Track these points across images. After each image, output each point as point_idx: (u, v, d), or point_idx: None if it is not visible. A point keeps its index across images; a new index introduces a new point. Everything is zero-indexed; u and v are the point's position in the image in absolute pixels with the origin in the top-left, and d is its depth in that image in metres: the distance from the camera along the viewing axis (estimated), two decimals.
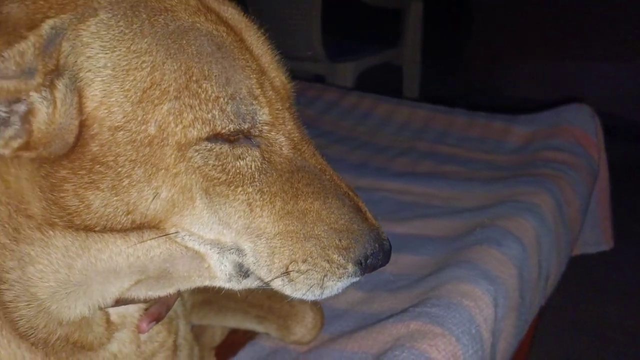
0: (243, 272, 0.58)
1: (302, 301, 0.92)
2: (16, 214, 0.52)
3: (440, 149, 1.61)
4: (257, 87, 0.54)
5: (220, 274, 0.57)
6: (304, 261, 0.57)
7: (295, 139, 0.58)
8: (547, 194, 1.25)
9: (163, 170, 0.51)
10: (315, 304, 0.94)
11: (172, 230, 0.53)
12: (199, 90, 0.51)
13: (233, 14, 0.57)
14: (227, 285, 0.59)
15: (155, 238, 0.54)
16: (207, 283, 0.58)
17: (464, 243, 1.10)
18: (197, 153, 0.52)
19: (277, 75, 0.58)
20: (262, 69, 0.55)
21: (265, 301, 0.93)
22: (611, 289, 2.07)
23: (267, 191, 0.56)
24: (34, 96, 0.47)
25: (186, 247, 0.55)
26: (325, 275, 0.58)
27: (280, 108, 0.56)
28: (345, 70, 2.73)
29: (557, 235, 1.23)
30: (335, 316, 1.00)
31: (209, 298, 0.94)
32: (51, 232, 0.52)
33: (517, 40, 3.89)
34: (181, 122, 0.50)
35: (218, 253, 0.56)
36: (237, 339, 0.99)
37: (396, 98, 1.94)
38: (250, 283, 0.59)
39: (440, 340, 0.81)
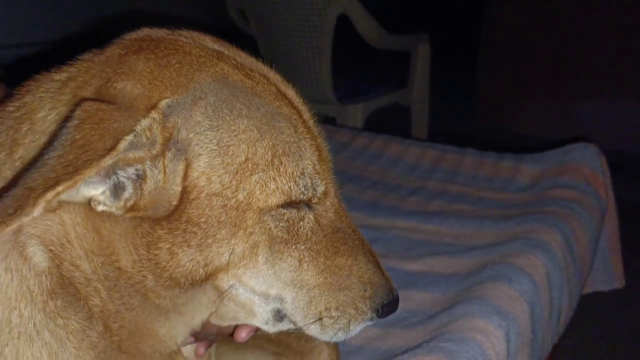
0: (280, 317, 0.66)
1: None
2: (108, 265, 0.58)
3: (450, 188, 1.64)
4: (318, 163, 0.63)
5: (260, 317, 0.66)
6: (336, 309, 0.66)
7: (336, 205, 0.68)
8: (556, 232, 1.27)
9: (242, 230, 0.59)
10: (331, 343, 0.96)
11: (231, 281, 0.62)
12: (280, 165, 0.60)
13: (295, 97, 0.67)
14: (263, 327, 0.68)
15: (222, 295, 0.64)
16: (248, 322, 0.68)
17: (475, 280, 1.12)
18: (271, 217, 0.60)
19: (325, 151, 0.67)
20: (319, 146, 0.64)
21: (283, 337, 0.95)
22: (624, 328, 2.06)
23: (314, 249, 0.65)
24: (148, 164, 0.55)
25: (235, 299, 0.64)
26: (350, 321, 0.67)
27: (330, 180, 0.66)
28: (355, 111, 2.79)
29: (568, 273, 1.25)
30: (350, 352, 1.02)
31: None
32: (148, 284, 0.60)
33: (525, 79, 3.97)
34: (265, 190, 0.59)
35: (264, 302, 0.65)
36: None
37: (406, 139, 1.98)
38: (283, 326, 0.68)
39: None
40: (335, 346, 0.96)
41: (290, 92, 0.67)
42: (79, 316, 0.60)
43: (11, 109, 0.62)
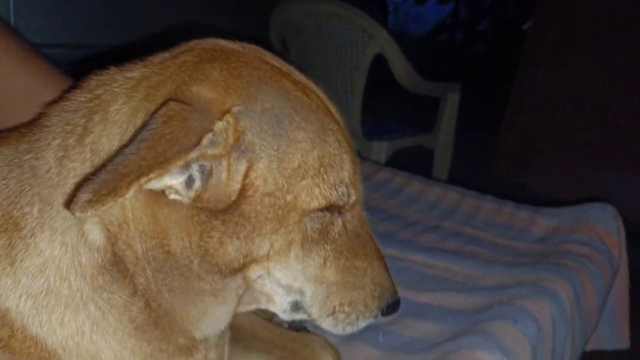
0: (297, 308, 0.73)
1: (323, 346, 0.99)
2: (158, 248, 0.64)
3: (466, 230, 1.67)
4: (353, 173, 0.70)
5: (279, 306, 0.73)
6: (349, 305, 0.74)
7: (360, 212, 0.75)
8: (566, 283, 1.30)
9: (283, 228, 0.66)
10: (335, 352, 1.00)
11: (261, 272, 0.68)
12: (325, 174, 0.67)
13: (338, 115, 0.74)
14: (280, 314, 0.74)
15: (250, 283, 0.70)
16: (267, 307, 0.74)
17: (481, 317, 1.15)
18: (309, 218, 0.67)
19: (358, 164, 0.74)
20: (354, 160, 0.72)
21: (289, 343, 1.00)
22: None
23: (338, 250, 0.72)
24: (216, 162, 0.62)
25: (261, 289, 0.71)
26: (359, 317, 0.75)
27: (359, 190, 0.73)
28: (379, 148, 2.86)
29: (573, 325, 1.27)
30: None
31: (237, 335, 1.01)
32: (193, 268, 0.66)
33: (550, 141, 4.00)
34: (310, 195, 0.66)
35: (286, 293, 0.71)
36: None
37: (428, 179, 2.02)
38: (298, 316, 0.75)
39: None
40: (338, 354, 1.00)
41: (334, 110, 0.74)
42: (123, 292, 0.65)
43: (82, 99, 0.68)
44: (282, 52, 2.98)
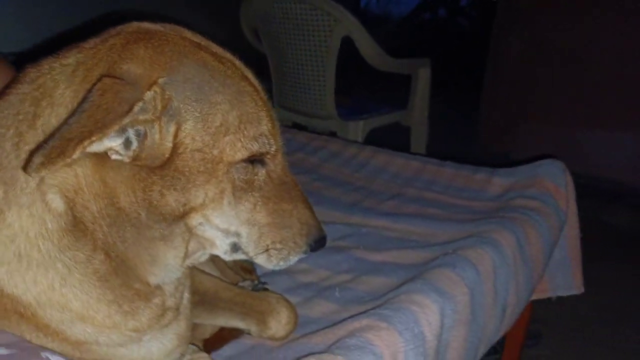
0: (235, 248, 0.84)
1: (278, 301, 1.10)
2: (110, 206, 0.76)
3: (426, 195, 1.78)
4: (272, 127, 0.81)
5: (220, 249, 0.84)
6: (280, 242, 0.84)
7: (282, 163, 0.85)
8: (508, 233, 1.41)
9: (214, 179, 0.76)
10: (290, 306, 1.12)
11: (201, 220, 0.79)
12: (245, 130, 0.77)
13: (254, 79, 0.84)
14: (222, 256, 0.85)
15: (192, 230, 0.81)
16: (211, 252, 0.85)
17: (426, 267, 1.27)
18: (235, 169, 0.78)
19: (276, 120, 0.85)
20: (272, 117, 0.82)
21: (248, 300, 1.11)
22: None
23: (265, 196, 0.83)
24: (149, 126, 0.72)
25: (203, 235, 0.82)
26: (290, 252, 0.86)
27: (279, 143, 0.84)
28: (355, 128, 2.96)
29: (516, 270, 1.38)
30: (308, 322, 1.17)
31: (202, 299, 1.12)
32: (141, 219, 0.77)
33: (529, 107, 4.08)
34: (233, 148, 0.76)
35: (224, 237, 0.82)
36: (223, 335, 1.15)
37: (392, 151, 2.12)
38: (237, 256, 0.86)
39: (384, 333, 0.97)
40: (293, 308, 1.12)
41: (251, 75, 0.84)
42: (86, 248, 0.77)
43: (27, 90, 0.78)
44: (255, 44, 3.07)
